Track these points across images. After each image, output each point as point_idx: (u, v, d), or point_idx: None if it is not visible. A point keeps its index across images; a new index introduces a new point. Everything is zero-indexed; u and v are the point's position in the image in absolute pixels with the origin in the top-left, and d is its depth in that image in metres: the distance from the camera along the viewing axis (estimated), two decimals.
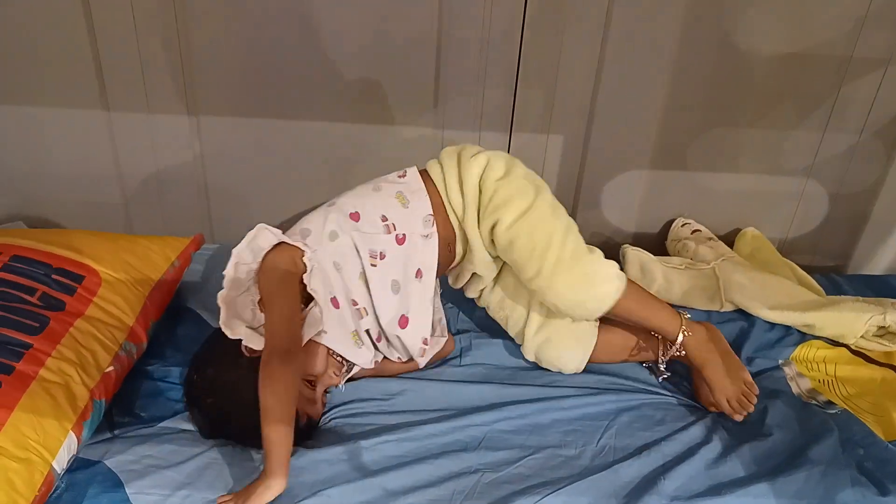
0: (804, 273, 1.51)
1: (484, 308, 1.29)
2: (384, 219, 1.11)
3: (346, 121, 1.49)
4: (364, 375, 1.17)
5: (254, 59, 1.42)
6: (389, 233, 1.11)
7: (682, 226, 1.62)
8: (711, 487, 1.02)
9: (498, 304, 1.25)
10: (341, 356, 1.10)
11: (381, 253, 1.09)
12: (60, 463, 0.91)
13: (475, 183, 1.12)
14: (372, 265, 1.09)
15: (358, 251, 1.08)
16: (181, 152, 1.53)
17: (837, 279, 1.55)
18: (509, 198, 1.09)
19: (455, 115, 1.49)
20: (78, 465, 0.98)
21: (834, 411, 1.16)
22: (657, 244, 1.66)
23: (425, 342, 1.14)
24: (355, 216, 1.10)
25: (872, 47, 1.43)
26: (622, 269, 1.16)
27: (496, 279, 1.24)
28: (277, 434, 0.93)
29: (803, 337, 1.34)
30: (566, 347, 1.20)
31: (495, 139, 1.52)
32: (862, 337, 1.30)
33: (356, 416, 1.12)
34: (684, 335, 1.13)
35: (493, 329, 1.31)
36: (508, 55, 1.42)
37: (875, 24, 1.40)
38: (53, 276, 1.10)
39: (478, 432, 1.09)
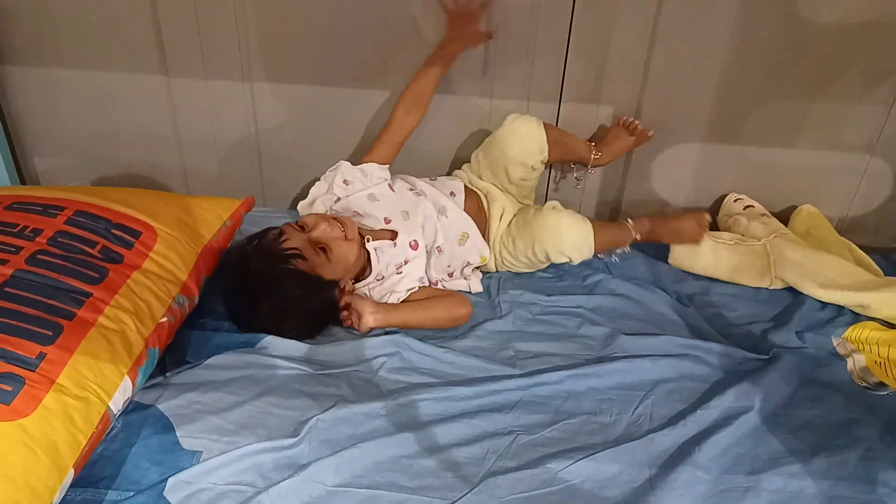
0: (862, 253, 1.46)
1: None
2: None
3: (395, 88, 1.50)
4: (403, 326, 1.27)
5: (306, 28, 1.45)
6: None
7: (735, 201, 1.58)
8: (745, 462, 1.01)
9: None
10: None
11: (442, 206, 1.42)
12: (116, 404, 0.96)
13: None
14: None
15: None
16: (236, 118, 1.57)
17: None
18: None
19: (504, 84, 1.49)
20: (133, 407, 1.03)
21: (885, 392, 1.12)
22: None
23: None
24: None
25: None
26: None
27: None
28: (419, 321, 1.26)
29: (857, 318, 1.30)
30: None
31: (544, 109, 1.51)
32: None
33: (397, 371, 1.15)
34: (594, 157, 1.51)
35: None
36: (559, 22, 1.40)
37: None
38: (113, 231, 1.15)
39: (514, 396, 1.10)
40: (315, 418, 1.03)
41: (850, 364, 1.19)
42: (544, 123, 1.41)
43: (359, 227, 1.32)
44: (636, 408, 1.10)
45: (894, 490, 0.97)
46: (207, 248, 1.25)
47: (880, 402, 1.10)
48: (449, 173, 1.59)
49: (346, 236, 1.27)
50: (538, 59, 1.45)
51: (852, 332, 1.27)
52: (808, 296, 1.33)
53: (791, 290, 1.37)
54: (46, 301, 0.98)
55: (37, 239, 1.08)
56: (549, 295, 1.37)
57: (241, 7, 1.42)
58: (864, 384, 1.15)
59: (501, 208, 1.46)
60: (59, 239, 1.09)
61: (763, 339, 1.27)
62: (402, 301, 1.29)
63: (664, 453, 1.01)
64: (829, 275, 1.33)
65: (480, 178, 1.50)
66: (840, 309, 1.32)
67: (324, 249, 1.25)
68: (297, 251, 1.21)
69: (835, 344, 1.25)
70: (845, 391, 1.13)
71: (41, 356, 0.90)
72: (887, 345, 1.25)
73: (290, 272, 1.20)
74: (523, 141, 1.40)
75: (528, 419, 1.06)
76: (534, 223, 1.35)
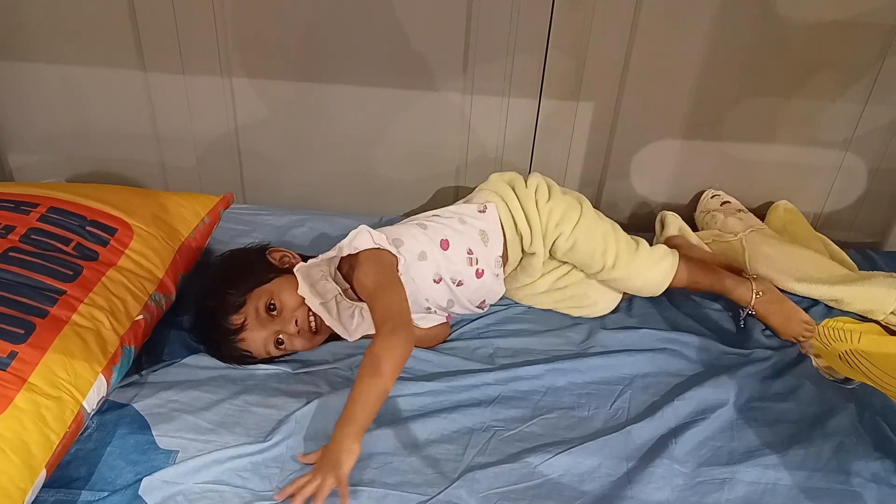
0: (837, 248, 1.47)
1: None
2: (469, 252, 1.23)
3: (376, 85, 1.50)
4: None
5: (285, 23, 1.43)
6: (471, 265, 1.23)
7: (712, 197, 1.59)
8: (722, 454, 1.02)
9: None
10: None
11: (460, 280, 1.23)
12: (90, 403, 0.95)
13: (536, 213, 1.26)
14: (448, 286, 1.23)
15: (441, 276, 1.21)
16: (215, 114, 1.55)
17: (873, 255, 1.52)
18: (563, 214, 1.25)
19: (484, 81, 1.48)
20: (108, 406, 1.02)
21: (852, 386, 1.14)
22: (687, 216, 1.63)
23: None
24: (445, 244, 1.21)
25: None
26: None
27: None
28: (378, 402, 0.97)
29: (830, 311, 1.32)
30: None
31: (524, 105, 1.51)
32: (892, 313, 1.27)
33: None
34: (756, 297, 1.28)
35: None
36: (539, 19, 1.40)
37: None
38: (88, 228, 1.14)
39: (493, 391, 1.10)
40: (293, 416, 1.02)
41: (813, 361, 1.21)
42: (683, 257, 1.30)
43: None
44: (614, 401, 1.10)
45: (867, 480, 0.98)
46: (185, 245, 1.24)
47: (851, 394, 1.12)
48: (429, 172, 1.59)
49: (313, 335, 1.16)
50: (518, 55, 1.45)
51: (828, 321, 1.29)
52: (783, 290, 1.34)
53: None
54: (19, 299, 0.96)
55: (9, 236, 1.06)
56: None
57: (220, 1, 1.41)
58: (832, 378, 1.17)
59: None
60: (32, 236, 1.08)
61: (740, 333, 1.29)
62: None
63: (642, 446, 1.02)
64: (804, 269, 1.35)
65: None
66: (814, 302, 1.33)
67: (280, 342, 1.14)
68: (249, 353, 1.12)
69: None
70: (816, 384, 1.14)
71: (13, 355, 0.89)
72: (859, 332, 1.26)
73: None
74: (648, 283, 1.29)
75: (506, 414, 1.07)
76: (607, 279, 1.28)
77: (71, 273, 1.04)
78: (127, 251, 1.14)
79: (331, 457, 0.92)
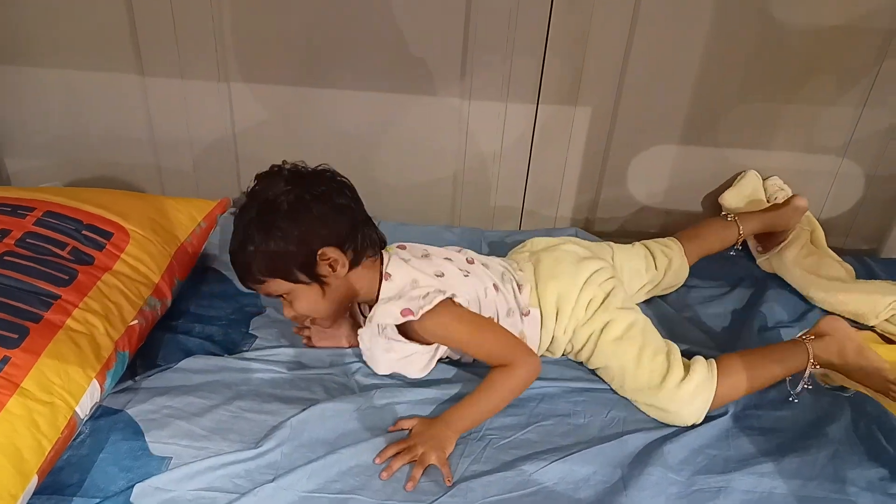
0: (833, 254, 1.47)
1: None
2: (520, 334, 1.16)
3: (374, 90, 1.50)
4: None
5: (283, 28, 1.43)
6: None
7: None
8: (716, 462, 1.02)
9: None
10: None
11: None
12: (83, 409, 0.94)
13: (576, 323, 1.17)
14: None
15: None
16: (213, 118, 1.55)
17: (870, 262, 1.51)
18: (609, 320, 1.15)
19: (482, 86, 1.48)
20: (101, 412, 1.02)
21: (848, 394, 1.14)
22: (685, 221, 1.63)
23: None
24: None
25: None
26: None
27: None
28: (492, 414, 1.05)
29: (824, 314, 1.32)
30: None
31: (522, 110, 1.51)
32: (887, 320, 1.27)
33: (372, 375, 1.14)
34: (812, 368, 1.12)
35: None
36: (537, 24, 1.40)
37: None
38: (84, 232, 1.14)
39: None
40: (288, 423, 1.02)
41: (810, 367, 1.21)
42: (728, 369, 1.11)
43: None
44: (610, 410, 1.10)
45: (862, 489, 0.98)
46: (181, 249, 1.24)
47: (846, 402, 1.12)
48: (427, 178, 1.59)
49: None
50: (516, 60, 1.45)
51: None
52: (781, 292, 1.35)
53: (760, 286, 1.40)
54: (13, 303, 0.96)
55: (4, 240, 1.06)
56: None
57: (218, 5, 1.41)
58: (827, 386, 1.17)
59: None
60: (27, 240, 1.08)
61: (739, 334, 1.29)
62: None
63: (635, 454, 1.02)
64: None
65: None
66: (810, 308, 1.34)
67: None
68: None
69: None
70: (813, 392, 1.14)
71: (5, 360, 0.89)
72: None
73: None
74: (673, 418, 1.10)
75: (501, 422, 1.06)
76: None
77: (66, 277, 1.04)
78: (123, 255, 1.14)
79: (438, 438, 0.99)
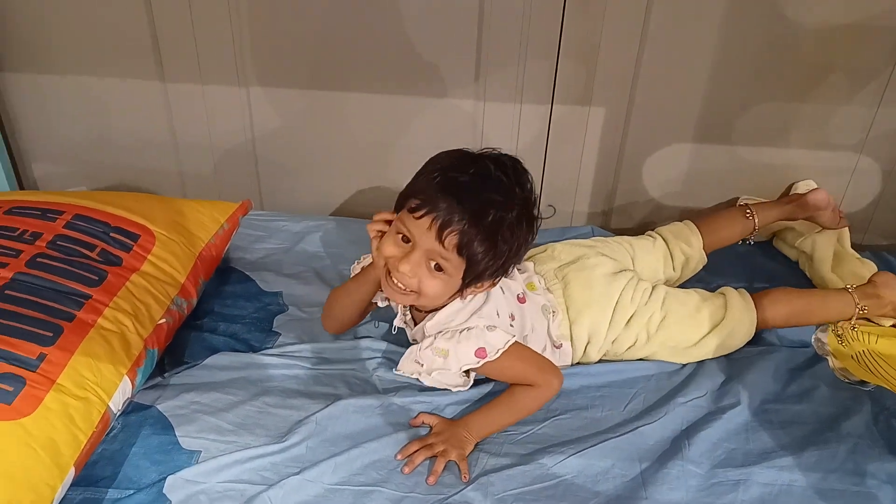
0: (854, 252, 1.48)
1: None
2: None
3: (388, 92, 1.52)
4: None
5: (299, 33, 1.46)
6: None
7: None
8: (736, 456, 1.03)
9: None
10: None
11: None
12: (116, 404, 0.97)
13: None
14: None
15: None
16: (233, 123, 1.58)
17: (889, 258, 1.51)
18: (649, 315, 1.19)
19: (496, 88, 1.50)
20: (132, 408, 1.05)
21: (867, 388, 1.14)
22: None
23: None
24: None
25: None
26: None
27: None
28: (502, 427, 1.05)
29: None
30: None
31: (536, 111, 1.52)
32: None
33: (392, 371, 1.15)
34: (859, 311, 1.21)
35: None
36: (550, 26, 1.42)
37: None
38: (112, 235, 1.17)
39: None
40: (312, 418, 1.04)
41: (830, 362, 1.21)
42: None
43: None
44: (628, 403, 1.11)
45: (882, 482, 0.99)
46: (205, 250, 1.27)
47: (865, 396, 1.12)
48: None
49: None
50: (529, 62, 1.46)
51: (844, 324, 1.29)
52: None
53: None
54: (46, 303, 0.99)
55: (36, 242, 1.09)
56: None
57: (236, 12, 1.44)
58: (847, 381, 1.17)
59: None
60: (58, 242, 1.11)
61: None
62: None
63: (654, 447, 1.03)
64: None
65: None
66: None
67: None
68: None
69: (812, 341, 1.26)
70: (831, 386, 1.15)
71: (41, 357, 0.92)
72: (877, 335, 1.26)
73: None
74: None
75: None
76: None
77: (96, 278, 1.07)
78: (149, 257, 1.17)
79: (458, 438, 1.01)
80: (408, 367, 1.09)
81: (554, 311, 1.17)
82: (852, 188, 1.61)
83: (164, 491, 0.92)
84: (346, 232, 1.53)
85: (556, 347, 1.16)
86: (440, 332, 1.04)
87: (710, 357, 1.19)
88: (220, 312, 1.27)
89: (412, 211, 0.96)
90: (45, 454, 0.85)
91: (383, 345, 1.20)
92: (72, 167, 1.67)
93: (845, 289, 1.24)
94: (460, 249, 0.94)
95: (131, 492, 0.92)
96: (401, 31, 1.45)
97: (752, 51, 1.44)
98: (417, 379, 1.10)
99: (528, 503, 0.95)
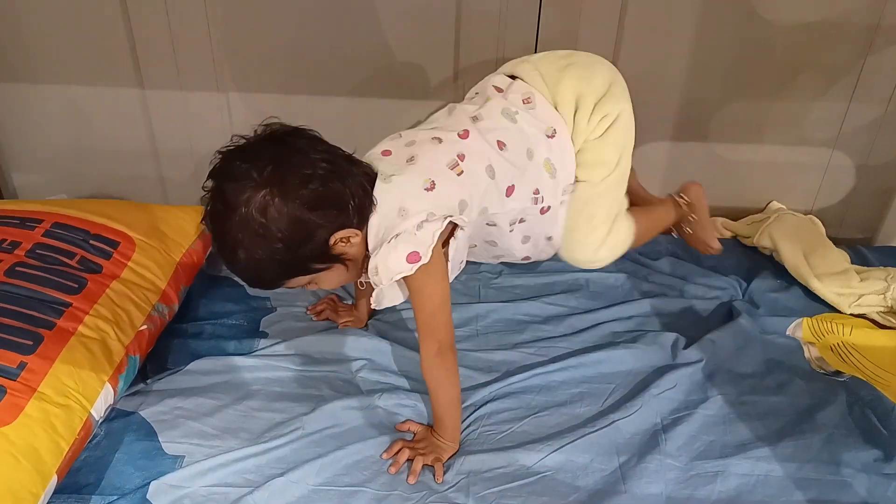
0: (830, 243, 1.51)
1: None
2: (535, 192, 1.08)
3: (369, 96, 1.53)
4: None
5: (277, 39, 1.47)
6: (536, 204, 1.09)
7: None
8: (714, 448, 1.05)
9: None
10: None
11: (521, 219, 1.10)
12: (98, 411, 0.98)
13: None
14: (510, 231, 1.10)
15: (502, 224, 1.08)
16: (212, 129, 1.58)
17: (864, 251, 1.54)
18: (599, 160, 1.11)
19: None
20: (115, 414, 1.05)
21: (842, 379, 1.17)
22: None
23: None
24: (510, 190, 1.05)
25: None
26: None
27: None
28: (455, 406, 1.04)
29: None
30: None
31: None
32: (879, 313, 1.31)
33: (377, 372, 1.17)
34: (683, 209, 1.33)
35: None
36: (526, 26, 1.44)
37: None
38: (91, 242, 1.17)
39: (485, 392, 1.12)
40: (296, 420, 1.05)
41: (806, 353, 1.24)
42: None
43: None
44: (606, 398, 1.13)
45: (857, 471, 1.01)
46: (186, 256, 1.27)
47: (840, 387, 1.14)
48: None
49: None
50: (508, 61, 1.47)
51: (821, 317, 1.32)
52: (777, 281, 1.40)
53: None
54: (26, 312, 0.99)
55: (15, 251, 1.09)
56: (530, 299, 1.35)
57: (213, 18, 1.44)
58: (822, 371, 1.19)
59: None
60: (37, 251, 1.11)
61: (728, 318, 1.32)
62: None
63: (631, 441, 1.05)
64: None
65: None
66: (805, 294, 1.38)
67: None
68: None
69: (788, 332, 1.29)
70: (806, 378, 1.17)
71: (22, 365, 0.92)
72: (850, 326, 1.29)
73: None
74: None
75: (498, 417, 1.09)
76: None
77: (76, 286, 1.07)
78: (130, 263, 1.17)
79: (433, 444, 1.02)
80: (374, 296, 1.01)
81: (529, 98, 1.08)
82: (827, 183, 1.64)
83: (147, 496, 0.93)
84: None
85: (550, 137, 1.06)
86: (374, 249, 0.96)
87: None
88: (206, 317, 1.27)
89: None
90: (27, 462, 0.85)
91: (368, 345, 1.21)
92: (52, 176, 1.67)
93: (669, 196, 1.34)
94: (252, 283, 0.98)
95: (115, 497, 0.93)
96: (379, 35, 1.46)
97: (727, 49, 1.47)
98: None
99: (509, 500, 0.96)
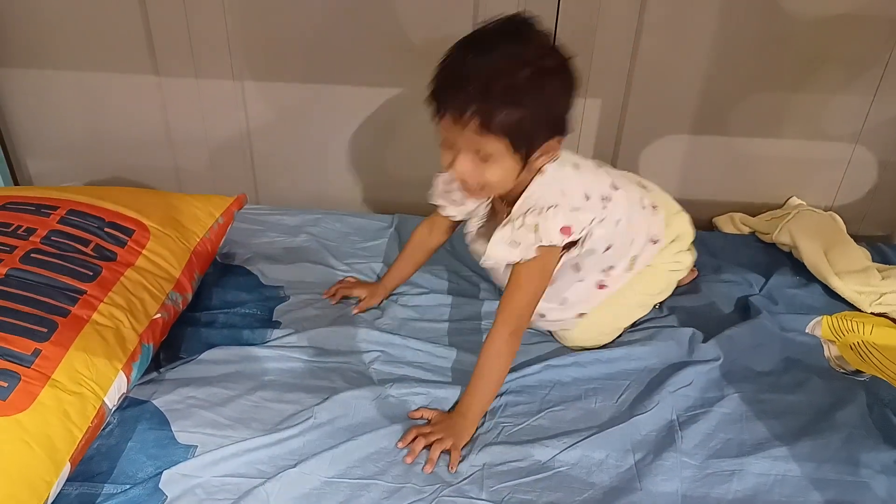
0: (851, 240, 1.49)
1: None
2: (610, 269, 1.18)
3: (384, 85, 1.52)
4: None
5: (294, 27, 1.46)
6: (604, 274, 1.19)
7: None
8: (731, 446, 1.03)
9: None
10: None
11: (581, 279, 1.17)
12: (111, 399, 0.97)
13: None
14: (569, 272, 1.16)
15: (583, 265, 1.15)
16: (228, 117, 1.58)
17: (885, 249, 1.52)
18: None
19: None
20: (128, 403, 1.05)
21: (862, 378, 1.15)
22: (697, 211, 1.63)
23: None
24: (611, 250, 1.14)
25: None
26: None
27: None
28: (491, 400, 1.07)
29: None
30: None
31: None
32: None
33: (390, 364, 1.16)
34: None
35: None
36: (545, 18, 1.39)
37: None
38: (106, 230, 1.17)
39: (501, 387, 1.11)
40: (309, 411, 1.05)
41: (826, 351, 1.22)
42: None
43: None
44: (621, 394, 1.12)
45: (876, 472, 0.99)
46: (200, 245, 1.27)
47: (859, 386, 1.13)
48: None
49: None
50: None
51: (841, 315, 1.30)
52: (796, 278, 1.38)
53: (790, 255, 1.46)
54: (41, 299, 0.99)
55: (31, 238, 1.09)
56: None
57: (230, 6, 1.43)
58: (842, 370, 1.18)
59: None
60: (52, 238, 1.11)
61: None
62: None
63: (647, 437, 1.03)
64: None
65: None
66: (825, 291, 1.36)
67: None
68: None
69: (808, 330, 1.27)
70: (825, 376, 1.15)
71: (36, 353, 0.92)
72: (871, 324, 1.27)
73: None
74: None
75: (513, 409, 1.08)
76: None
77: (90, 273, 1.07)
78: (144, 252, 1.17)
79: (455, 428, 1.02)
80: (498, 251, 1.04)
81: (654, 206, 1.21)
82: (848, 179, 1.61)
83: (160, 486, 0.93)
84: (344, 225, 1.53)
85: (653, 243, 1.19)
86: (528, 209, 1.02)
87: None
88: (220, 306, 1.27)
89: (434, 117, 0.97)
90: (41, 450, 0.85)
91: (380, 337, 1.20)
92: (67, 163, 1.67)
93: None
94: (488, 128, 0.91)
95: (127, 486, 0.93)
96: (396, 25, 1.45)
97: (749, 41, 1.44)
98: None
99: (523, 495, 0.96)
